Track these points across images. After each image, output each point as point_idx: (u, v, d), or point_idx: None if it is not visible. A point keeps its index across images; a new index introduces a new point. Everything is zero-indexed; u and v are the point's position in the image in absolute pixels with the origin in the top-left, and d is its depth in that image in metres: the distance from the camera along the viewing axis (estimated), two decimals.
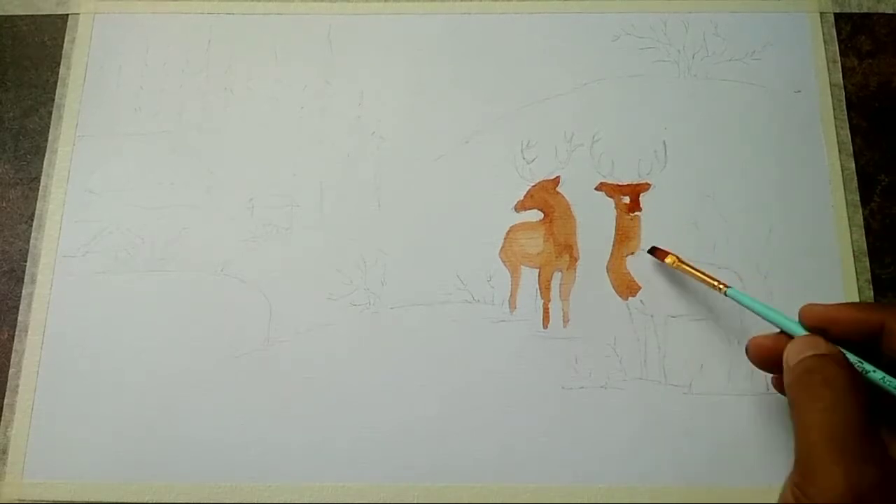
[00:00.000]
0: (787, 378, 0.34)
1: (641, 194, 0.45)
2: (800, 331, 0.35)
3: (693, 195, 0.45)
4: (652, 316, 0.43)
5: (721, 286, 0.39)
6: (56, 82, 0.48)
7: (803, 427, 0.31)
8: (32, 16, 0.50)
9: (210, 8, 0.50)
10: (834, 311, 0.35)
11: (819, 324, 0.35)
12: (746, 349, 0.37)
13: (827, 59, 0.47)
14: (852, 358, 0.33)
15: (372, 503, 0.40)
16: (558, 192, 0.45)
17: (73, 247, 0.45)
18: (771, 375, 0.39)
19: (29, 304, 0.43)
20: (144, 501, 0.40)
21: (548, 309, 0.43)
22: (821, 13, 0.48)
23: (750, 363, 0.37)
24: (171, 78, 0.48)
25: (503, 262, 0.44)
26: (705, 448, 0.40)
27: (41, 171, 0.46)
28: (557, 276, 0.44)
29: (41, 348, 0.43)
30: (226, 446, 0.41)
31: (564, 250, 0.44)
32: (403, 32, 0.49)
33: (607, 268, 0.44)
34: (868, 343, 0.34)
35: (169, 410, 0.42)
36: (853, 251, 0.44)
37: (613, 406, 0.41)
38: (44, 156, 0.46)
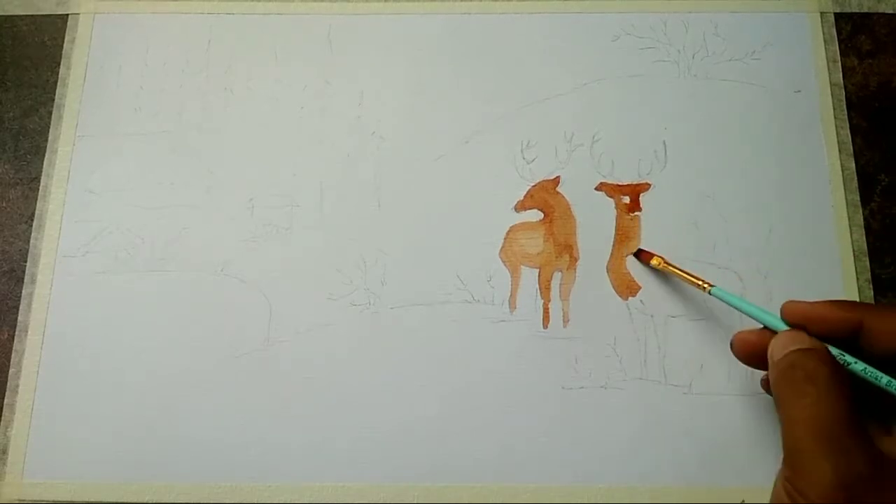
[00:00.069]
0: (771, 373, 0.34)
1: (641, 194, 0.45)
2: (783, 327, 0.35)
3: (693, 195, 0.45)
4: (652, 316, 0.43)
5: (705, 286, 0.39)
6: (56, 82, 0.48)
7: (789, 421, 0.31)
8: (32, 16, 0.50)
9: (210, 8, 0.50)
10: (814, 308, 0.35)
11: (800, 321, 0.35)
12: (731, 344, 0.37)
13: (827, 58, 0.47)
14: (834, 351, 0.33)
15: (372, 503, 0.40)
16: (558, 192, 0.45)
17: (73, 247, 0.45)
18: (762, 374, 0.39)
19: (29, 304, 0.43)
20: (144, 501, 0.40)
21: (548, 309, 0.43)
22: (821, 13, 0.48)
23: None
24: (171, 78, 0.48)
25: (503, 262, 0.44)
26: (705, 448, 0.40)
27: (41, 171, 0.46)
28: (557, 276, 0.44)
29: (41, 348, 0.43)
30: (226, 446, 0.41)
31: (564, 250, 0.44)
32: (403, 32, 0.49)
33: (607, 268, 0.44)
34: (848, 340, 0.34)
35: (169, 410, 0.42)
36: (853, 251, 0.44)
37: (613, 406, 0.41)
38: (44, 156, 0.46)
